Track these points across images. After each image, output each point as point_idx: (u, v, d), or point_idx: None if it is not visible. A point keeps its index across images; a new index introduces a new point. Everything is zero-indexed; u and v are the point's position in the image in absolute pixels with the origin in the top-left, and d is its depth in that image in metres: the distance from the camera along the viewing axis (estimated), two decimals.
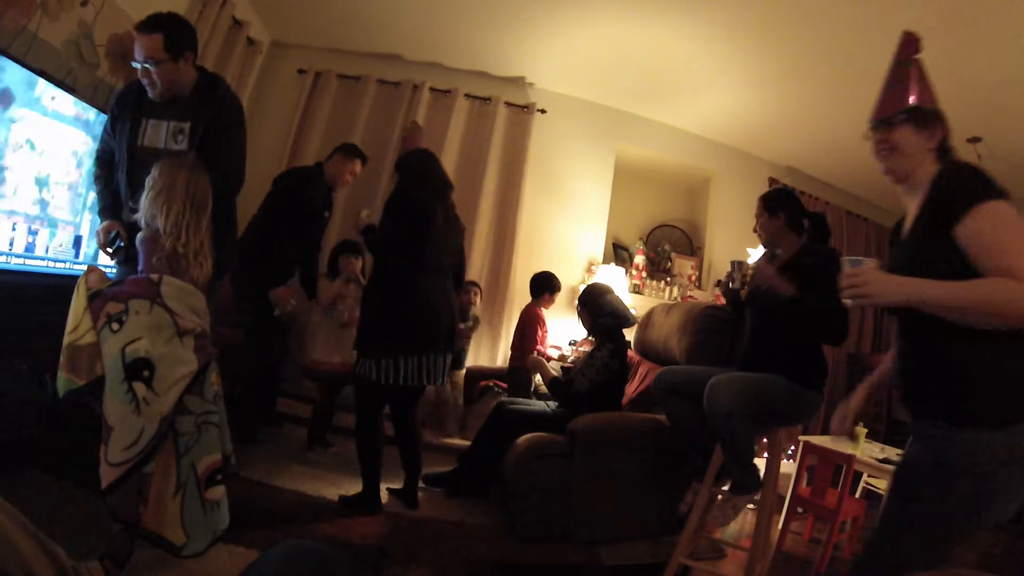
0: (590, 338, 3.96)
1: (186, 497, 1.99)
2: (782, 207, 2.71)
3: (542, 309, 4.75)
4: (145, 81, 2.42)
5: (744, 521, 3.70)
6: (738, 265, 2.66)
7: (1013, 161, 4.88)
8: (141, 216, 2.14)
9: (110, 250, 2.46)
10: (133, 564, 1.95)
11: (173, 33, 2.38)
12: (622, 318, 3.55)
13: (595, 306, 3.57)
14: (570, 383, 3.41)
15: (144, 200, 2.14)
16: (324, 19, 5.07)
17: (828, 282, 2.44)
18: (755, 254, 3.83)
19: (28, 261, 2.60)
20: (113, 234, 2.45)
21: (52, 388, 2.54)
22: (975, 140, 4.82)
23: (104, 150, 2.62)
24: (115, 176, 2.55)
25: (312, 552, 1.27)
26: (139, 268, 2.10)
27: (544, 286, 4.73)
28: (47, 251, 2.71)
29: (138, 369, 1.91)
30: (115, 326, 1.96)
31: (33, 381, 2.52)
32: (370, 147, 5.26)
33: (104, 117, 2.92)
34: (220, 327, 3.64)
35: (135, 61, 2.38)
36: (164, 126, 2.49)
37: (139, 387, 1.90)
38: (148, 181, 2.16)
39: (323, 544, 1.31)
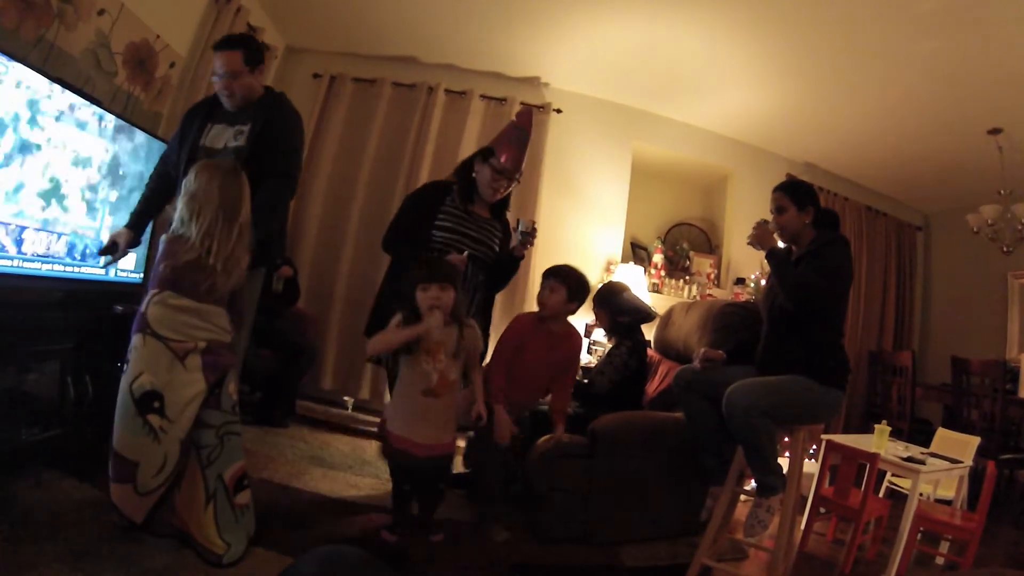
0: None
1: (218, 507, 2.06)
2: (810, 200, 2.68)
3: None
4: (225, 93, 2.71)
5: (770, 525, 3.66)
6: (762, 222, 2.66)
7: None
8: (174, 218, 2.15)
9: (103, 257, 2.66)
10: (152, 566, 1.97)
11: (250, 49, 2.72)
12: (643, 314, 3.52)
13: (613, 305, 3.55)
14: (591, 384, 3.39)
15: (178, 203, 2.16)
16: (338, 23, 5.09)
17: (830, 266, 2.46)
18: None
19: (54, 266, 2.63)
20: (112, 244, 2.63)
21: (75, 391, 2.59)
22: (995, 131, 4.76)
23: (162, 162, 2.84)
24: (160, 185, 2.78)
25: (350, 557, 1.27)
26: (156, 260, 2.13)
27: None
28: (73, 256, 2.74)
29: (148, 402, 1.98)
30: (124, 367, 2.04)
31: (57, 383, 2.55)
32: (386, 149, 5.32)
33: (121, 123, 2.97)
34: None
35: (215, 76, 2.70)
36: (229, 130, 2.73)
37: (153, 419, 1.98)
38: (183, 184, 2.18)
39: (360, 550, 1.31)
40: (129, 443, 1.97)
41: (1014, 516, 4.30)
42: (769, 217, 2.73)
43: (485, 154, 3.00)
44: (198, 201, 2.10)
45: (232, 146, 2.69)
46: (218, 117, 2.76)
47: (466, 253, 2.81)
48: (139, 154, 3.10)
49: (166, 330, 2.02)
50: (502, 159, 2.94)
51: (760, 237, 2.62)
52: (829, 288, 2.49)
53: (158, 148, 3.21)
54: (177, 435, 2.00)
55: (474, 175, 3.02)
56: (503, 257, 3.04)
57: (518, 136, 3.02)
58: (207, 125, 2.74)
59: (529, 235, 2.90)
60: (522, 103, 5.44)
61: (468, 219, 2.96)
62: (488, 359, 3.08)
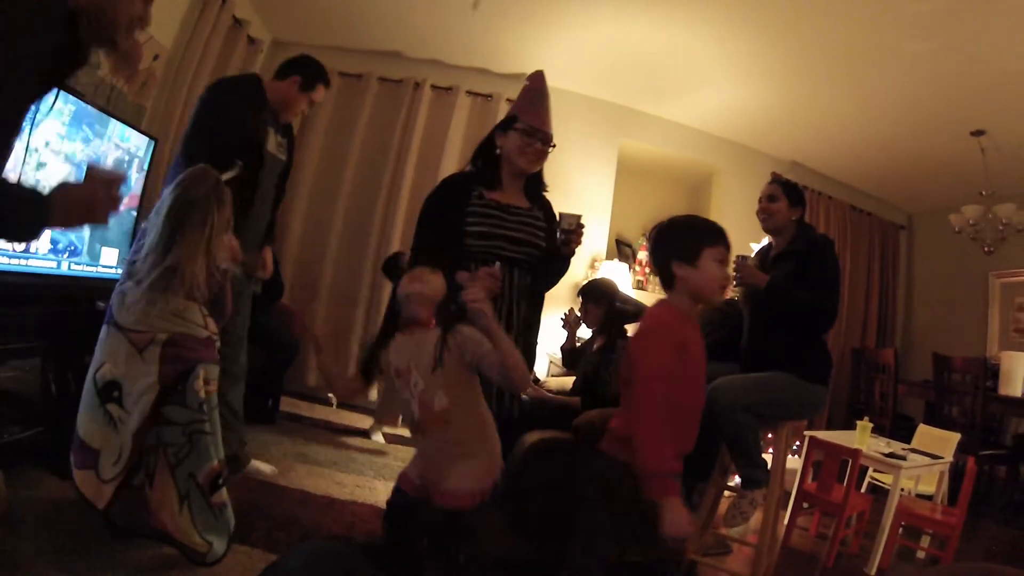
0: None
1: (193, 506, 2.02)
2: (801, 201, 2.76)
3: None
4: (297, 115, 3.01)
5: (751, 518, 3.69)
6: (742, 259, 2.67)
7: (1018, 154, 4.86)
8: (149, 223, 2.10)
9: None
10: (137, 564, 1.95)
11: None
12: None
13: (614, 300, 3.45)
14: (598, 391, 3.27)
15: (160, 206, 2.09)
16: (324, 17, 5.06)
17: (824, 272, 2.51)
18: (757, 249, 3.80)
19: (31, 262, 2.60)
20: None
21: (57, 388, 2.56)
22: (978, 133, 4.81)
23: (208, 147, 2.50)
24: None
25: (334, 553, 1.26)
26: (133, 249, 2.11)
27: None
28: (52, 252, 2.70)
29: (109, 391, 1.97)
30: (89, 358, 2.04)
31: (37, 381, 2.52)
32: (373, 145, 5.29)
33: (103, 116, 2.91)
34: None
35: (311, 102, 3.00)
36: (273, 136, 2.87)
37: (113, 408, 1.97)
38: (173, 187, 2.11)
39: (346, 545, 1.30)
40: (91, 431, 1.98)
41: (994, 511, 4.36)
42: (756, 206, 2.80)
43: (506, 124, 2.50)
44: (181, 212, 2.04)
45: (279, 157, 2.92)
46: (269, 120, 2.85)
47: (496, 265, 2.26)
48: (120, 147, 3.07)
49: (126, 320, 2.00)
50: (528, 118, 2.45)
51: (746, 276, 2.64)
52: (832, 298, 2.57)
53: (143, 142, 3.19)
54: (130, 428, 1.96)
55: (498, 151, 2.50)
56: (550, 253, 2.49)
57: (537, 96, 2.54)
58: (268, 128, 2.81)
59: (572, 233, 2.42)
60: (508, 100, 5.43)
61: (504, 215, 2.39)
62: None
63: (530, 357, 2.46)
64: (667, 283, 1.86)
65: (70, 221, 1.34)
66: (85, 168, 1.39)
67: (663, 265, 1.85)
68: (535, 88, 2.55)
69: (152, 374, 1.99)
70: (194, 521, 2.01)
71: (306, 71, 2.91)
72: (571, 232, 2.42)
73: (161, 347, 2.01)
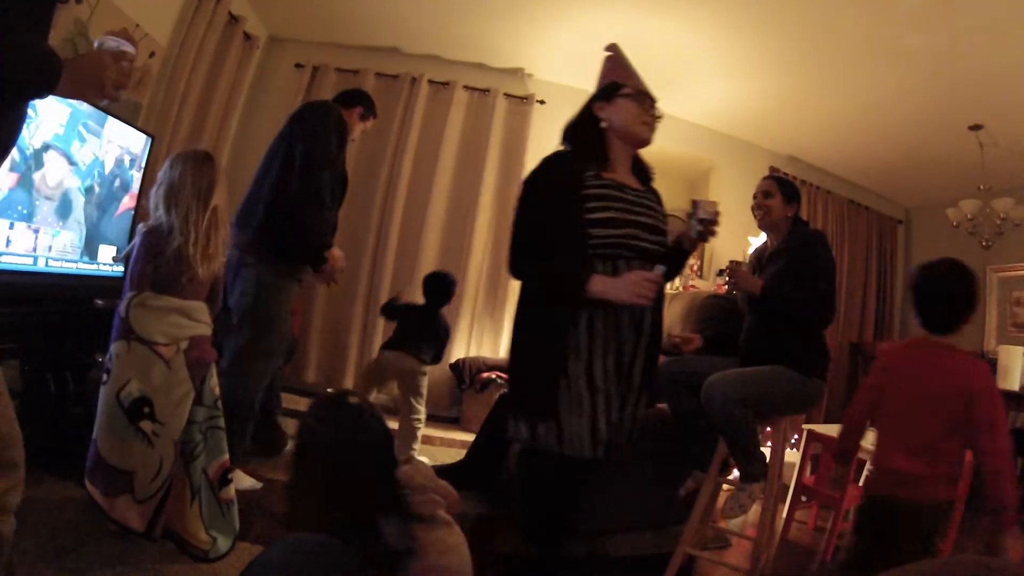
0: None
1: (203, 502, 2.03)
2: (796, 198, 2.75)
3: None
4: (351, 137, 3.24)
5: (749, 510, 3.70)
6: (735, 265, 2.69)
7: (1016, 149, 4.86)
8: (151, 211, 2.12)
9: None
10: (137, 562, 1.95)
11: None
12: None
13: None
14: None
15: (152, 193, 2.12)
16: (321, 13, 5.05)
17: (820, 269, 2.52)
18: (756, 242, 3.81)
19: (29, 261, 2.59)
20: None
21: (54, 388, 2.55)
22: (976, 128, 4.80)
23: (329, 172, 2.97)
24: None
25: (318, 545, 1.26)
26: (133, 257, 2.09)
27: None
28: (49, 251, 2.69)
29: (138, 409, 1.94)
30: (104, 377, 2.00)
31: (35, 381, 2.51)
32: (369, 140, 5.26)
33: (96, 113, 2.92)
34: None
35: (363, 130, 3.42)
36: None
37: (145, 424, 1.94)
38: (159, 175, 2.13)
39: (327, 538, 1.30)
40: (121, 452, 1.93)
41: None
42: (751, 202, 2.81)
43: (608, 93, 2.13)
44: (173, 190, 2.07)
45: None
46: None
47: (658, 269, 1.85)
48: (117, 145, 3.07)
49: (151, 333, 1.98)
50: (635, 83, 2.14)
51: (739, 281, 2.63)
52: (828, 295, 2.57)
53: (137, 139, 3.19)
54: (170, 437, 1.97)
55: (603, 125, 2.09)
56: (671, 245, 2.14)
57: (627, 62, 2.30)
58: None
59: (711, 222, 2.09)
60: (506, 94, 5.43)
61: (628, 197, 1.98)
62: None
63: (653, 372, 2.11)
64: (953, 326, 2.01)
65: (78, 91, 1.33)
66: (96, 42, 1.43)
67: (968, 313, 2.00)
68: (620, 56, 2.27)
69: (185, 380, 2.01)
70: (202, 516, 2.03)
71: (366, 102, 3.31)
72: (710, 222, 2.10)
73: (185, 354, 2.03)
